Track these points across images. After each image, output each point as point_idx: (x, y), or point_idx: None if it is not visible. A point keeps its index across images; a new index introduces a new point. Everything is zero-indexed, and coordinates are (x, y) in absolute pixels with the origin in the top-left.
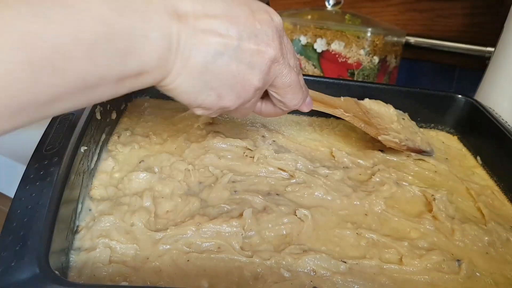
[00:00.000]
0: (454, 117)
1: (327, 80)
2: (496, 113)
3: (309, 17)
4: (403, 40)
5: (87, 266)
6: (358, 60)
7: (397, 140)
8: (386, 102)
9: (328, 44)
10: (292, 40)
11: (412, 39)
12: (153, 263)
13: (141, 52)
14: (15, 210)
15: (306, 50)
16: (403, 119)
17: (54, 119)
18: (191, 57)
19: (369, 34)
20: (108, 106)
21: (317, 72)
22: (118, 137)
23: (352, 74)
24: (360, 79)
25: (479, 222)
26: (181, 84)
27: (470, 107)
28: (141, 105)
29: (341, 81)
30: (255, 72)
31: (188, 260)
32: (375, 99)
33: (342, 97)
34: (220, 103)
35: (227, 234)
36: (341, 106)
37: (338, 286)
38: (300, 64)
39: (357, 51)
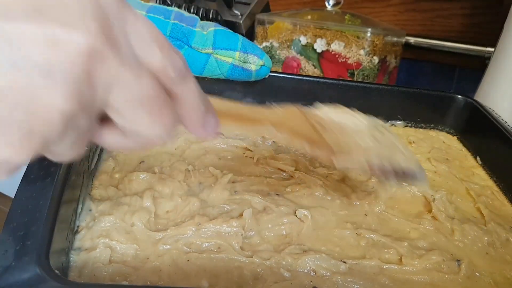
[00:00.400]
0: (454, 117)
1: (326, 80)
2: (496, 114)
3: (309, 17)
4: (403, 40)
5: (88, 266)
6: (358, 60)
7: (365, 166)
8: (385, 102)
9: (328, 44)
10: (292, 41)
11: (412, 39)
12: (153, 263)
13: None
14: (16, 210)
15: (306, 50)
16: (381, 132)
17: None
18: None
19: (369, 34)
20: None
21: (317, 72)
22: None
23: (352, 74)
24: (360, 79)
25: (479, 222)
26: None
27: (470, 107)
28: None
29: (340, 82)
30: (55, 83)
31: (188, 260)
32: (375, 100)
33: (279, 107)
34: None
35: (227, 234)
36: (275, 120)
37: (338, 286)
38: (300, 64)
39: (357, 51)
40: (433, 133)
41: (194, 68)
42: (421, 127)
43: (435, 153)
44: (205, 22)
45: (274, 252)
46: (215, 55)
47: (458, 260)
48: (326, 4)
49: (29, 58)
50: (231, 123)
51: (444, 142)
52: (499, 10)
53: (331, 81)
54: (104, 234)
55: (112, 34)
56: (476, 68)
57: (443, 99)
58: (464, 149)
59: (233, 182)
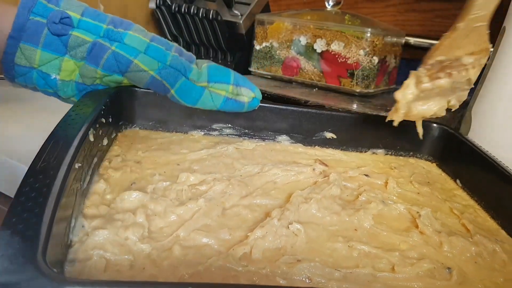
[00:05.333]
0: (431, 145)
1: (313, 111)
2: (471, 139)
3: (309, 17)
4: (403, 40)
5: (83, 276)
6: (358, 61)
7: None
8: (361, 129)
9: (328, 44)
10: (291, 41)
11: (411, 40)
12: (149, 272)
13: None
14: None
15: (306, 51)
16: None
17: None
18: None
19: (368, 34)
20: (100, 131)
21: (317, 72)
22: (109, 162)
23: (352, 74)
24: (359, 80)
25: (465, 235)
26: None
27: (446, 134)
28: (131, 135)
29: (322, 111)
30: None
31: (185, 269)
32: (354, 129)
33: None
34: None
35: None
36: None
37: None
38: (300, 64)
39: (357, 51)
40: (412, 160)
41: (189, 99)
42: (401, 155)
43: (417, 177)
44: (199, 60)
45: (268, 262)
46: (210, 88)
47: (449, 268)
48: (326, 4)
49: None
50: None
51: (424, 167)
52: (498, 10)
53: (314, 110)
54: (98, 246)
55: None
56: None
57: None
58: (443, 174)
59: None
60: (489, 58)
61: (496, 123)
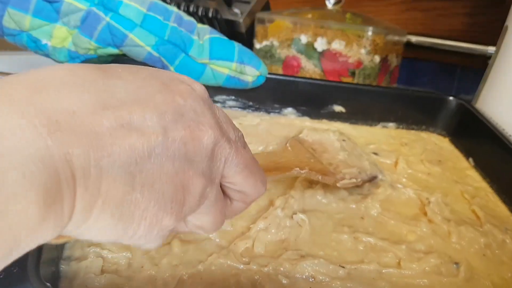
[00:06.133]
0: (445, 119)
1: (318, 82)
2: (487, 115)
3: (310, 16)
4: (404, 39)
5: (79, 277)
6: (359, 59)
7: (354, 180)
8: (376, 104)
9: (329, 43)
10: (292, 39)
11: (413, 38)
12: (148, 272)
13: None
14: None
15: (307, 49)
16: (344, 140)
17: None
18: (102, 177)
19: (370, 33)
20: None
21: (317, 71)
22: None
23: (353, 73)
24: (361, 79)
25: (475, 224)
26: (97, 222)
27: (461, 109)
28: None
29: (331, 83)
30: (196, 166)
31: (184, 268)
32: (367, 101)
33: (287, 143)
34: (161, 223)
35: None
36: (293, 159)
37: None
38: (300, 63)
39: (358, 50)
40: (424, 135)
41: (190, 76)
42: (413, 129)
43: (428, 154)
44: (201, 26)
45: (271, 258)
46: (211, 65)
47: (456, 263)
48: (327, 2)
49: (182, 152)
50: (269, 175)
51: (436, 143)
52: (500, 9)
53: (324, 82)
54: (95, 243)
55: (220, 123)
56: (477, 67)
57: (434, 101)
58: (456, 151)
59: None
60: (491, 57)
61: (500, 121)
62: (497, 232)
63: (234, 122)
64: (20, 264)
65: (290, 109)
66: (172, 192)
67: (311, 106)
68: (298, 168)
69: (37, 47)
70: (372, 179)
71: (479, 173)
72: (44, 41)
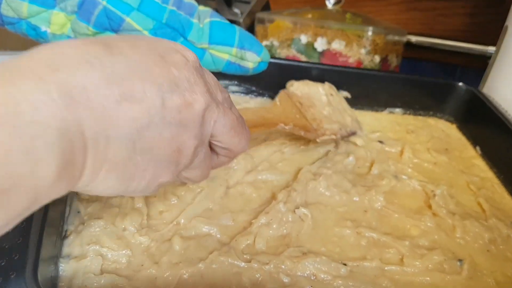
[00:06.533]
0: (453, 105)
1: (325, 67)
2: (497, 103)
3: (310, 16)
4: (404, 39)
5: (78, 276)
6: (359, 59)
7: (333, 136)
8: (384, 89)
9: (329, 43)
10: (292, 39)
11: (413, 38)
12: (148, 271)
13: (26, 177)
14: None
15: (307, 49)
16: (331, 95)
17: None
18: (109, 145)
19: (370, 33)
20: None
21: None
22: None
23: None
24: None
25: (480, 217)
26: (103, 182)
27: (470, 95)
28: None
29: (339, 68)
30: (189, 130)
31: (184, 266)
32: (374, 86)
33: (276, 98)
34: (158, 180)
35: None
36: (280, 115)
37: None
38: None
39: (358, 50)
40: (432, 121)
41: None
42: (420, 115)
43: (435, 142)
44: (203, 9)
45: (272, 256)
46: (210, 51)
47: (460, 260)
48: (327, 2)
49: (177, 119)
50: (255, 130)
51: (443, 130)
52: (500, 9)
53: (330, 67)
54: (94, 240)
55: (210, 89)
56: (478, 67)
57: (443, 87)
58: (463, 138)
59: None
60: (491, 57)
61: None
62: (502, 227)
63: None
64: (18, 269)
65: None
66: (169, 154)
67: None
68: (283, 124)
69: (37, 35)
70: (351, 135)
71: (486, 162)
72: (43, 28)
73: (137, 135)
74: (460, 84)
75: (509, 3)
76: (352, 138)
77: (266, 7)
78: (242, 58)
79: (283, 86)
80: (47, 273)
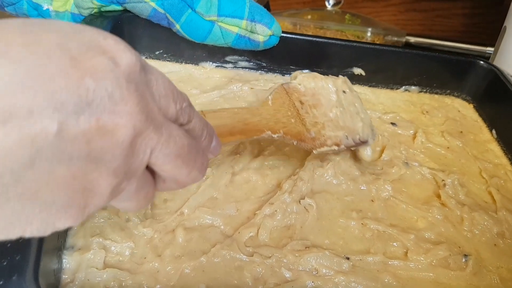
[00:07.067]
0: (472, 83)
1: (340, 42)
2: None
3: (309, 17)
4: (403, 40)
5: (81, 269)
6: None
7: (335, 147)
8: (400, 65)
9: None
10: None
11: (412, 39)
12: (151, 264)
13: None
14: None
15: None
16: (344, 92)
17: None
18: None
19: (369, 34)
20: None
21: None
22: None
23: None
24: None
25: (490, 209)
26: None
27: (490, 74)
28: None
29: (355, 43)
30: (104, 165)
31: (187, 260)
32: (390, 62)
33: (270, 95)
34: (55, 226)
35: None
36: (268, 118)
37: (341, 287)
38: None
39: None
40: (448, 100)
41: (197, 35)
42: (437, 93)
43: (450, 125)
44: None
45: (275, 248)
46: (219, 23)
47: (465, 255)
48: (326, 4)
49: (83, 153)
50: (231, 139)
51: (459, 111)
52: (499, 10)
53: (345, 42)
54: (98, 232)
55: (149, 106)
56: None
57: (462, 64)
58: (479, 120)
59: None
60: (489, 58)
61: None
62: None
63: (246, 87)
64: (20, 271)
65: (306, 71)
66: (67, 198)
67: (329, 67)
68: (270, 132)
69: (39, 15)
70: (359, 144)
71: (501, 147)
72: (45, 7)
73: (11, 177)
74: (481, 62)
75: (507, 4)
76: (360, 150)
77: (266, 8)
78: (252, 31)
79: (294, 63)
80: (50, 264)
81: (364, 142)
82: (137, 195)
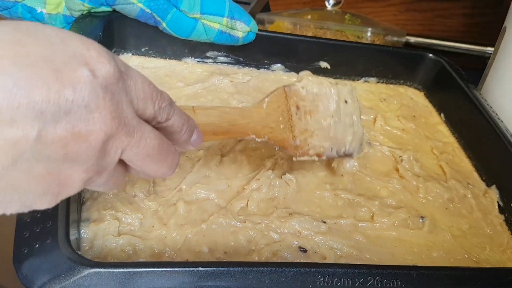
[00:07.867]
0: (422, 74)
1: (303, 38)
2: (461, 73)
3: (309, 17)
4: (403, 40)
5: (98, 238)
6: None
7: (315, 158)
8: (361, 59)
9: None
10: None
11: (412, 39)
12: (158, 231)
13: None
14: None
15: None
16: (346, 102)
17: None
18: None
19: (369, 34)
20: None
21: None
22: None
23: None
24: None
25: (441, 179)
26: None
27: (438, 65)
28: None
29: (319, 40)
30: (78, 164)
31: (189, 227)
32: (352, 57)
33: (267, 97)
34: (31, 208)
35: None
36: (257, 122)
37: (320, 244)
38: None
39: None
40: (402, 89)
41: (182, 31)
42: (392, 83)
43: (404, 110)
44: None
45: (263, 216)
46: (202, 20)
47: (422, 217)
48: (326, 3)
49: (59, 154)
50: (214, 138)
51: (412, 98)
52: (499, 10)
53: (312, 39)
54: (109, 205)
55: (122, 114)
56: (476, 68)
57: (413, 57)
58: (429, 106)
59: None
60: (489, 58)
61: None
62: (460, 187)
63: (226, 80)
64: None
65: (278, 65)
66: (43, 189)
67: (298, 62)
68: (254, 135)
69: (33, 18)
70: (343, 157)
71: (448, 128)
72: (39, 10)
73: None
74: (430, 54)
75: (507, 4)
76: (344, 161)
77: (266, 8)
78: (232, 28)
79: (268, 57)
80: (72, 236)
81: (348, 155)
82: (107, 183)
